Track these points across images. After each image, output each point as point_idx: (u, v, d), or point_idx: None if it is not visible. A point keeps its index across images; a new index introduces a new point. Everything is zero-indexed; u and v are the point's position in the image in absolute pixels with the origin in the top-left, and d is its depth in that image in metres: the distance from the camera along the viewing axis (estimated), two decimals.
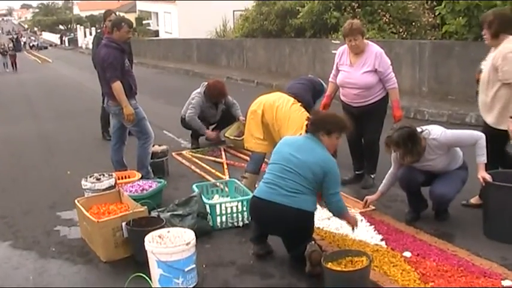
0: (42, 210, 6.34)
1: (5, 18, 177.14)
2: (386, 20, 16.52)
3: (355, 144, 6.65)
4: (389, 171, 5.66)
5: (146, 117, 6.97)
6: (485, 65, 5.42)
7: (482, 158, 5.08)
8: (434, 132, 5.22)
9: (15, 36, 64.13)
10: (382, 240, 5.00)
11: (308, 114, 6.13)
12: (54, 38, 79.71)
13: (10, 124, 12.74)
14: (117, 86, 6.60)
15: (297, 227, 4.46)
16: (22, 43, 66.80)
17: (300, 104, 6.37)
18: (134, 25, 51.57)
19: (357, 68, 6.33)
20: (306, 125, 4.73)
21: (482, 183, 5.05)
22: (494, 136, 5.32)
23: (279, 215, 4.44)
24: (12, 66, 33.17)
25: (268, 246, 4.84)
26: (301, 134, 5.39)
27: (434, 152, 5.22)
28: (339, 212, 4.69)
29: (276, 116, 6.16)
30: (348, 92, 6.44)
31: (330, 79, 6.79)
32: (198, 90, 8.93)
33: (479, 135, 5.11)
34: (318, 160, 4.46)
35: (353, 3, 16.61)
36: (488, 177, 5.01)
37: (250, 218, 5.44)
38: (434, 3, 16.20)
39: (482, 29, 5.49)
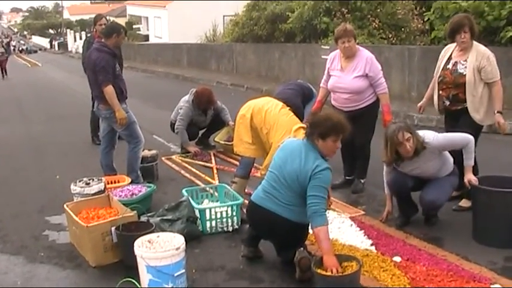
0: (30, 214, 6.30)
1: None
2: (376, 25, 16.61)
3: (346, 148, 6.61)
4: (385, 175, 5.67)
5: (136, 121, 6.95)
6: (468, 68, 5.62)
7: (470, 162, 5.21)
8: (427, 136, 5.24)
9: (6, 40, 63.45)
10: (372, 245, 5.01)
11: (297, 119, 6.15)
12: (44, 42, 79.41)
13: None
14: (109, 90, 6.58)
15: (289, 236, 4.47)
16: (12, 47, 66.43)
17: (289, 108, 6.37)
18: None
19: (348, 73, 6.36)
20: (305, 128, 4.69)
21: (468, 186, 5.17)
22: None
23: (272, 223, 4.45)
24: (2, 72, 28.90)
25: (258, 251, 4.85)
26: (289, 137, 5.40)
27: (426, 156, 5.24)
28: (313, 222, 4.23)
29: (265, 119, 6.16)
30: (339, 96, 6.47)
31: (321, 84, 6.81)
32: (187, 98, 8.88)
33: (470, 138, 5.22)
34: (306, 167, 4.32)
35: (343, 9, 16.66)
36: (474, 180, 5.09)
37: (240, 222, 5.45)
38: (423, 9, 16.30)
39: (459, 32, 5.62)
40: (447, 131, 5.85)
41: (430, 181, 5.39)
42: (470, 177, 5.14)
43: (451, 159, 5.47)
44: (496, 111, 5.60)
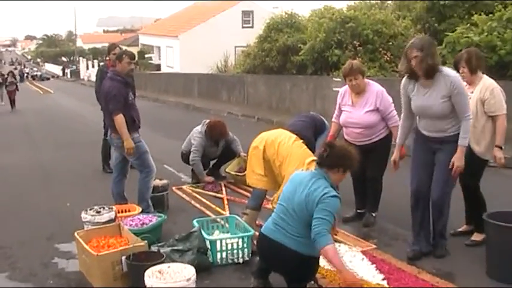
0: (39, 242, 6.29)
1: (8, 48, 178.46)
2: (387, 58, 16.69)
3: (358, 181, 6.63)
4: (401, 123, 5.78)
5: (148, 150, 6.96)
6: (472, 100, 5.62)
7: (465, 142, 5.25)
8: (451, 71, 5.38)
9: (18, 67, 63.46)
10: (383, 279, 4.96)
11: (310, 152, 6.14)
12: (57, 69, 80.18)
13: (9, 153, 12.74)
14: (119, 119, 6.62)
15: (299, 269, 4.42)
16: (25, 74, 67.02)
17: (302, 141, 6.37)
18: (136, 59, 52.18)
19: (359, 108, 6.37)
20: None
21: (453, 169, 5.25)
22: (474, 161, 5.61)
23: (281, 256, 4.40)
24: (10, 103, 26.28)
25: (268, 283, 4.80)
26: (302, 169, 5.42)
27: (437, 92, 5.23)
28: (318, 244, 4.16)
29: (278, 151, 6.15)
30: (351, 131, 6.47)
31: (333, 119, 6.81)
32: (199, 129, 8.90)
33: (470, 116, 5.26)
34: (314, 194, 4.30)
35: (354, 42, 16.76)
36: (461, 167, 5.22)
37: (251, 254, 5.40)
38: (435, 43, 16.35)
39: (458, 67, 5.76)
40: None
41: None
42: (459, 162, 5.23)
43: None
44: (495, 145, 5.62)
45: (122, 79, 6.75)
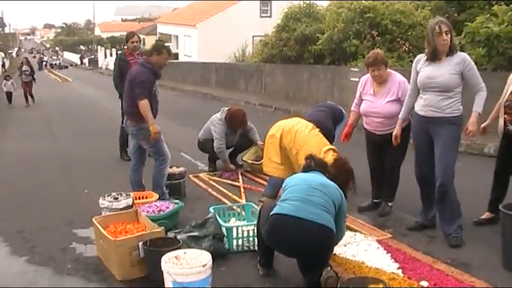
0: (58, 227, 6.37)
1: (28, 37, 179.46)
2: (406, 48, 16.58)
3: (375, 171, 6.63)
4: (407, 98, 5.93)
5: (163, 139, 7.01)
6: None
7: (480, 108, 5.47)
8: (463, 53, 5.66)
9: (38, 56, 62.41)
10: (398, 268, 4.96)
11: (327, 141, 6.17)
12: (75, 58, 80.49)
13: (28, 141, 12.87)
14: (145, 104, 6.65)
15: (319, 245, 4.42)
16: (44, 62, 67.25)
17: (319, 130, 6.38)
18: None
19: (381, 97, 6.34)
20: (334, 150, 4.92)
21: (467, 135, 5.59)
22: None
23: (304, 231, 4.39)
24: (26, 97, 22.30)
25: (273, 269, 4.96)
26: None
27: (450, 68, 5.47)
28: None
29: (295, 140, 6.17)
30: (372, 120, 6.45)
31: (353, 108, 6.80)
32: (218, 116, 8.91)
33: (484, 87, 5.49)
34: (335, 189, 4.65)
35: (373, 32, 16.67)
36: (474, 131, 5.50)
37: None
38: (454, 33, 16.23)
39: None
40: (501, 156, 6.06)
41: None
42: (472, 127, 5.49)
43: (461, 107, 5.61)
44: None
45: (152, 68, 6.78)
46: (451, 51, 5.48)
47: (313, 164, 4.93)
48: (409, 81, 6.30)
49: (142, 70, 6.74)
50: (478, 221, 6.09)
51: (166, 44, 7.26)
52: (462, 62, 5.45)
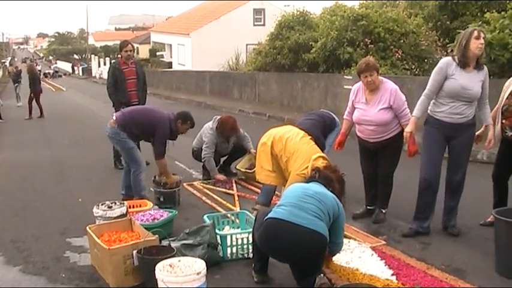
0: (52, 236, 6.35)
1: (21, 46, 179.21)
2: (399, 56, 16.65)
3: (369, 178, 6.65)
4: (422, 98, 5.98)
5: (135, 147, 7.23)
6: None
7: (490, 120, 5.91)
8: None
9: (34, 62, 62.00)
10: (392, 275, 4.98)
11: (317, 148, 6.19)
12: (69, 67, 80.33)
13: (23, 149, 12.86)
14: (164, 162, 7.12)
15: (310, 250, 4.45)
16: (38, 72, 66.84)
17: (310, 138, 6.40)
18: (148, 56, 51.98)
19: (373, 105, 6.36)
20: (316, 172, 5.07)
21: (486, 148, 5.93)
22: None
23: (295, 236, 4.43)
24: (30, 110, 20.04)
25: (268, 277, 4.94)
26: (307, 167, 5.78)
27: (478, 77, 5.72)
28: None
29: (285, 147, 6.20)
30: (364, 128, 6.47)
31: (345, 116, 6.81)
32: (210, 125, 8.93)
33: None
34: (333, 200, 4.69)
35: (366, 40, 16.73)
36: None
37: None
38: (447, 40, 16.32)
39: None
40: (499, 161, 6.20)
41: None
42: (493, 140, 5.90)
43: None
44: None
45: (175, 132, 7.21)
46: (478, 63, 5.71)
47: (318, 176, 4.98)
48: (401, 89, 6.35)
49: (168, 130, 7.09)
50: (484, 224, 6.26)
51: (191, 116, 7.56)
52: (486, 75, 5.73)
